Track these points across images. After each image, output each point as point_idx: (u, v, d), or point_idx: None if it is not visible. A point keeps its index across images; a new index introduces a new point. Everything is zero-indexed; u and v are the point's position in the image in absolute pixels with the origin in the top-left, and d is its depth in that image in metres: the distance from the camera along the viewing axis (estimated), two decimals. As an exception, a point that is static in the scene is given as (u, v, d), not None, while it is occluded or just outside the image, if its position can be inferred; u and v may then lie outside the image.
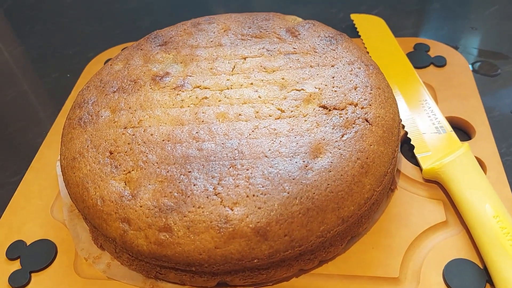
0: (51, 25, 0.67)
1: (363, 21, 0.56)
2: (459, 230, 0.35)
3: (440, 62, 0.49)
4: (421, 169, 0.39)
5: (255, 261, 0.31)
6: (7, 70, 0.60)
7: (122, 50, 0.46)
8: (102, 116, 0.38)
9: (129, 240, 0.32)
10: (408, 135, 0.41)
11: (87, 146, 0.36)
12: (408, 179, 0.39)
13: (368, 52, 0.51)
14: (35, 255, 0.37)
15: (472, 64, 0.51)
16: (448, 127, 0.41)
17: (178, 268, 0.32)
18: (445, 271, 0.32)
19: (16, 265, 0.37)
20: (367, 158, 0.33)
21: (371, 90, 0.37)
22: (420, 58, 0.50)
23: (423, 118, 0.42)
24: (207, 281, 0.33)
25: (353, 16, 0.57)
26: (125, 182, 0.34)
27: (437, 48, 0.51)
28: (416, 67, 0.48)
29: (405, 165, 0.40)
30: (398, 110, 0.38)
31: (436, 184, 0.38)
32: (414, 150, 0.40)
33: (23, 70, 0.60)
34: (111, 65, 0.44)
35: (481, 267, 0.32)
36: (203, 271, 0.31)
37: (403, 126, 0.42)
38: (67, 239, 0.38)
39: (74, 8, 0.70)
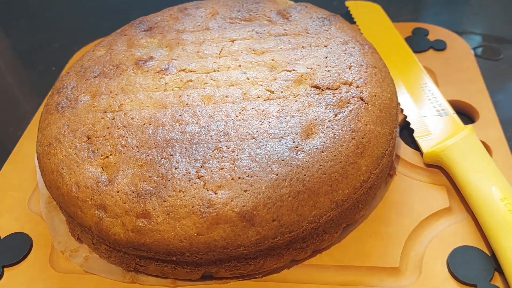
0: (37, 20, 0.65)
1: (359, 8, 0.54)
2: (463, 216, 0.32)
3: (440, 46, 0.46)
4: (421, 154, 0.36)
5: (241, 249, 0.28)
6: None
7: (105, 37, 0.44)
8: (81, 101, 0.36)
9: (105, 228, 0.29)
10: (407, 119, 0.39)
11: (64, 132, 0.34)
12: (408, 165, 0.36)
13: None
14: (9, 249, 0.35)
15: (474, 49, 0.48)
16: (450, 110, 0.38)
17: (158, 259, 0.29)
18: (450, 259, 0.30)
19: (-12, 260, 0.34)
20: (362, 138, 0.31)
21: (367, 69, 0.35)
22: (419, 42, 0.47)
23: (423, 101, 0.40)
24: (190, 272, 0.30)
25: (348, 3, 0.55)
26: (102, 167, 0.31)
27: (436, 33, 0.48)
28: (415, 52, 0.46)
29: (404, 150, 0.37)
30: (395, 91, 0.36)
31: (438, 169, 0.35)
32: (414, 134, 0.37)
33: (8, 63, 0.58)
34: (93, 51, 0.42)
35: (489, 254, 0.30)
36: (185, 261, 0.29)
37: (402, 110, 0.40)
38: (43, 232, 0.36)
39: (61, 2, 0.69)
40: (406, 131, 0.39)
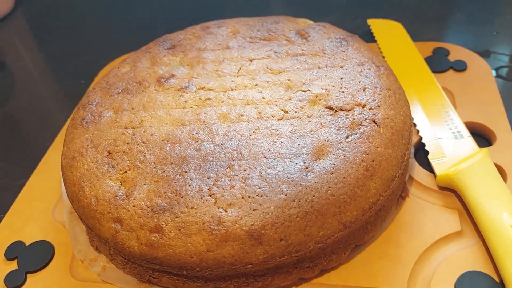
0: (69, 33, 0.68)
1: (380, 26, 0.54)
2: (474, 241, 0.32)
3: (460, 67, 0.46)
4: (435, 176, 0.36)
5: (249, 266, 0.29)
6: (26, 76, 0.62)
7: (131, 53, 0.46)
8: (104, 117, 0.38)
9: (121, 241, 0.30)
10: (423, 140, 0.39)
11: (87, 146, 0.36)
12: (421, 187, 0.36)
13: (384, 57, 0.49)
14: (33, 256, 0.36)
15: (496, 70, 0.48)
16: (466, 132, 0.38)
17: (170, 272, 0.31)
18: (457, 284, 0.30)
19: (13, 266, 0.36)
20: (372, 161, 0.31)
21: (381, 91, 0.35)
22: (438, 62, 0.47)
23: (440, 123, 0.40)
24: (200, 286, 0.31)
25: (370, 21, 0.56)
26: (120, 182, 0.33)
27: (457, 53, 0.48)
28: (434, 72, 0.46)
29: (418, 172, 0.37)
30: (410, 113, 0.36)
31: (452, 192, 0.35)
32: (429, 156, 0.37)
33: (41, 75, 0.61)
34: (118, 67, 0.44)
35: (497, 281, 0.29)
36: (195, 275, 0.30)
37: (418, 131, 0.40)
38: (65, 241, 0.37)
39: (92, 17, 0.72)
40: (422, 152, 0.39)
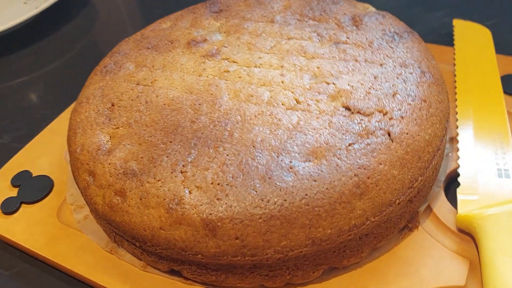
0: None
1: (465, 29, 0.47)
2: (475, 304, 0.26)
3: (543, 93, 0.38)
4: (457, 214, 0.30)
5: (199, 256, 0.27)
6: (113, 13, 0.63)
7: (176, 13, 0.45)
8: (124, 69, 0.37)
9: (89, 195, 0.30)
10: (459, 170, 0.33)
11: (96, 94, 0.35)
12: (438, 222, 0.31)
13: (455, 64, 0.42)
14: (33, 188, 0.38)
15: None
16: (515, 173, 0.31)
17: (128, 240, 0.29)
18: None
19: (14, 193, 0.38)
20: (368, 178, 0.26)
21: (412, 101, 0.30)
22: (517, 84, 0.39)
23: (488, 154, 0.33)
24: (156, 262, 0.30)
25: (455, 22, 0.48)
26: (110, 136, 0.32)
27: (547, 76, 0.40)
28: (507, 93, 0.38)
29: (441, 205, 0.32)
30: (443, 134, 0.30)
31: (470, 238, 0.29)
32: (458, 189, 0.31)
33: (130, 15, 0.63)
34: (160, 23, 0.43)
35: None
36: (148, 250, 0.28)
37: (458, 157, 0.34)
38: (65, 182, 0.38)
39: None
40: (455, 184, 0.33)
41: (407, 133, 0.28)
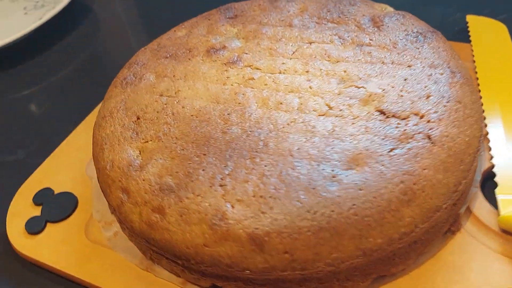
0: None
1: (480, 25, 0.46)
2: (527, 305, 0.26)
3: None
4: (498, 215, 0.30)
5: (247, 272, 0.26)
6: (114, 22, 0.62)
7: (190, 20, 0.44)
8: (145, 80, 0.36)
9: (124, 213, 0.29)
10: (495, 169, 0.32)
11: (119, 107, 0.34)
12: (480, 224, 0.30)
13: (474, 61, 0.42)
14: (56, 206, 0.37)
15: None
16: (552, 170, 0.31)
17: (167, 257, 0.29)
18: None
19: (37, 212, 0.37)
20: (414, 184, 0.26)
21: (447, 102, 0.30)
22: (540, 78, 0.39)
23: (521, 152, 0.33)
24: (198, 279, 0.29)
25: (469, 18, 0.48)
26: (139, 151, 0.31)
27: None
28: (531, 88, 0.38)
29: (480, 205, 0.31)
30: (480, 135, 0.30)
31: (514, 238, 0.29)
32: (496, 189, 0.31)
33: (131, 24, 0.61)
34: (175, 31, 0.42)
35: None
36: (192, 267, 0.28)
37: (491, 157, 0.33)
38: (90, 198, 0.37)
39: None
40: (491, 183, 0.33)
41: (447, 136, 0.28)
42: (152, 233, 0.28)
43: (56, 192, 0.38)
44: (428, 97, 0.30)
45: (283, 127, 0.30)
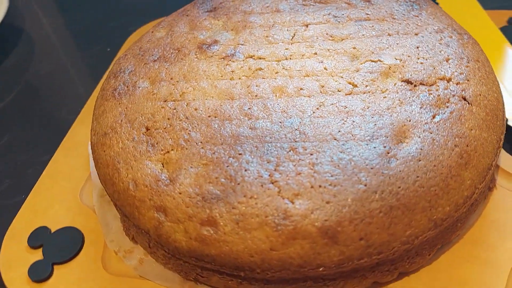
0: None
1: (443, -8, 0.48)
2: None
3: (542, 38, 0.40)
4: (527, 164, 0.31)
5: (321, 269, 0.24)
6: (47, 44, 0.57)
7: (166, 17, 0.41)
8: (139, 87, 0.33)
9: (165, 234, 0.26)
10: (509, 123, 0.33)
11: (121, 121, 0.31)
12: (510, 177, 0.31)
13: (450, 26, 0.43)
14: (60, 245, 0.32)
15: None
16: (561, 114, 0.33)
17: (223, 272, 0.26)
18: None
19: (38, 255, 0.32)
20: (467, 146, 0.26)
21: (468, 62, 0.30)
22: (516, 33, 0.41)
23: (527, 103, 0.34)
24: (258, 290, 0.27)
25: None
26: (162, 164, 0.28)
27: (537, 22, 0.42)
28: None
29: (505, 159, 0.32)
30: (500, 90, 0.30)
31: (548, 184, 0.30)
32: (517, 140, 0.32)
33: (62, 42, 0.56)
34: (152, 32, 0.38)
35: None
36: (254, 277, 0.25)
37: (500, 111, 0.34)
38: (95, 228, 0.33)
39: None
40: (506, 137, 0.34)
41: (480, 95, 0.28)
42: (206, 249, 0.25)
43: (53, 229, 0.33)
44: (447, 60, 0.30)
45: (314, 113, 0.28)
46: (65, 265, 0.31)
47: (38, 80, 0.51)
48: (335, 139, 0.27)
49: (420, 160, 0.25)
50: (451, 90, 0.28)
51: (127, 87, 0.33)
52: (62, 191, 0.36)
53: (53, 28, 0.59)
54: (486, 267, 0.27)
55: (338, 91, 0.30)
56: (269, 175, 0.26)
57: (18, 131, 0.45)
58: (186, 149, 0.28)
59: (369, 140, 0.26)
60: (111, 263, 0.31)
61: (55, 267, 0.31)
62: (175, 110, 0.30)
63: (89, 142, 0.38)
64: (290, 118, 0.28)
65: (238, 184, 0.25)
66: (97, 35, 0.56)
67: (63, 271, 0.31)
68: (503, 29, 0.42)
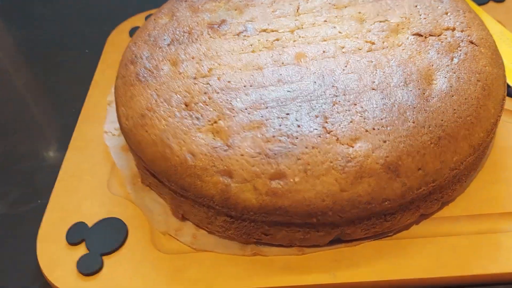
0: (57, 5, 0.61)
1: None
2: None
3: (499, -3, 0.46)
4: (519, 99, 0.35)
5: (386, 203, 0.26)
6: (15, 57, 0.54)
7: (162, 6, 0.41)
8: (163, 69, 0.33)
9: (233, 196, 0.27)
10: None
11: (155, 101, 0.31)
12: (506, 111, 0.35)
13: None
14: (103, 236, 0.32)
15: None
16: (537, 54, 0.37)
17: (292, 223, 0.27)
18: None
19: (81, 250, 0.31)
20: (486, 80, 0.29)
21: (464, 13, 0.34)
22: (477, -5, 0.46)
23: (505, 49, 0.39)
24: (323, 236, 0.28)
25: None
26: (213, 133, 0.29)
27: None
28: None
29: (499, 98, 0.36)
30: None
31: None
32: (507, 80, 0.36)
33: (34, 54, 0.54)
34: (155, 19, 0.39)
35: None
36: (324, 222, 0.27)
37: (485, 59, 0.39)
38: (135, 215, 0.33)
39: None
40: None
41: (483, 38, 0.32)
42: (278, 202, 0.26)
43: (90, 224, 0.33)
44: (446, 13, 0.34)
45: (343, 70, 0.31)
46: (114, 254, 0.31)
47: (16, 93, 0.49)
48: (373, 89, 0.29)
49: (453, 96, 0.28)
50: (458, 37, 0.32)
51: (150, 71, 0.33)
52: (89, 186, 0.35)
53: (20, 42, 0.56)
54: (508, 185, 0.30)
55: (359, 49, 0.32)
56: (323, 128, 0.27)
57: (14, 140, 0.43)
58: (234, 116, 0.29)
59: (404, 85, 0.29)
60: (162, 243, 0.31)
61: (104, 258, 0.31)
62: (208, 85, 0.31)
63: (105, 136, 0.38)
64: (324, 77, 0.30)
65: (297, 138, 0.27)
66: (69, 40, 0.54)
67: (114, 260, 0.30)
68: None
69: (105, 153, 0.37)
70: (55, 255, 0.31)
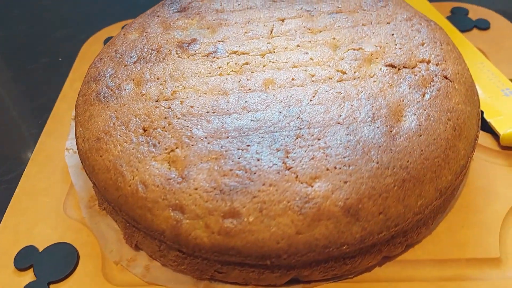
0: (32, 8, 0.59)
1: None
2: (556, 199, 0.30)
3: (484, 25, 0.45)
4: (498, 136, 0.34)
5: (344, 247, 0.25)
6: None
7: (134, 19, 0.39)
8: (125, 89, 0.32)
9: (184, 232, 0.25)
10: (473, 100, 0.37)
11: (113, 124, 0.30)
12: (483, 148, 0.34)
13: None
14: (52, 263, 0.30)
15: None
16: (516, 89, 0.36)
17: (245, 264, 0.26)
18: (556, 245, 0.28)
19: (28, 277, 0.30)
20: (457, 119, 0.28)
21: (441, 45, 0.32)
22: (461, 22, 0.45)
23: (485, 81, 0.38)
24: (279, 277, 0.27)
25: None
26: (168, 162, 0.27)
27: (476, 12, 0.47)
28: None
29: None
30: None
31: (515, 150, 0.33)
32: (485, 115, 0.35)
33: (5, 58, 0.52)
34: (124, 34, 0.37)
35: None
36: (279, 264, 0.25)
37: (464, 91, 0.38)
38: (88, 241, 0.31)
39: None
40: (469, 113, 0.37)
41: (458, 73, 0.31)
42: (230, 242, 0.25)
43: (41, 248, 0.31)
44: (423, 44, 0.32)
45: (311, 100, 0.29)
46: (63, 283, 0.29)
47: (-15, 95, 0.47)
48: (338, 123, 0.28)
49: (421, 135, 0.27)
50: (432, 71, 0.30)
51: (112, 90, 0.32)
52: (44, 207, 0.33)
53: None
54: (479, 229, 0.29)
55: (329, 78, 0.31)
56: (283, 163, 0.26)
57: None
58: (192, 145, 0.27)
59: (371, 121, 0.27)
60: (113, 274, 0.29)
61: (51, 286, 0.29)
62: (170, 109, 0.30)
63: (66, 153, 0.36)
64: (289, 107, 0.29)
65: (255, 173, 0.26)
66: (44, 47, 0.52)
67: (62, 290, 0.29)
68: (449, 18, 0.46)
69: (64, 171, 0.36)
70: (2, 280, 0.30)
